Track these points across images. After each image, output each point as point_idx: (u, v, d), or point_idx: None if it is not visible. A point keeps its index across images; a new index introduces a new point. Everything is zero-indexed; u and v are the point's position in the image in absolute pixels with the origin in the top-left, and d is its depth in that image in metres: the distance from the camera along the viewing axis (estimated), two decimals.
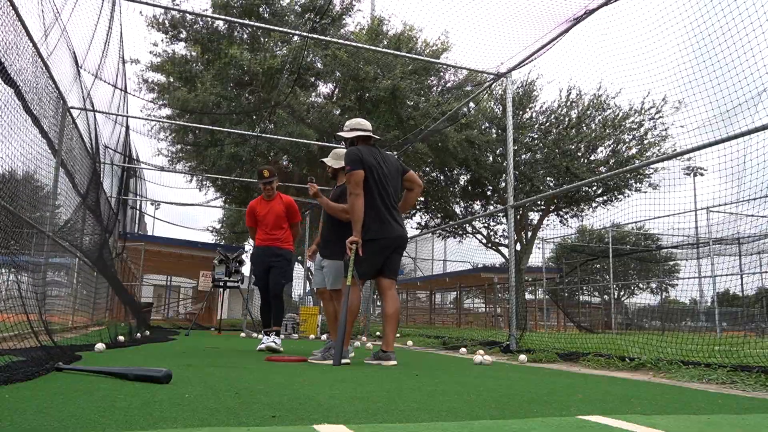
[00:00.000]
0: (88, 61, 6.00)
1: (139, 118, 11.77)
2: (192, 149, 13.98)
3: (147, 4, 8.31)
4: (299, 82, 11.70)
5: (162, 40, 12.69)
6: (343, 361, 3.84)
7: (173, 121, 12.77)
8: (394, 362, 3.96)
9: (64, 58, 5.11)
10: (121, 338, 5.48)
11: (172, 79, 12.37)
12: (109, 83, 7.44)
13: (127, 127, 10.83)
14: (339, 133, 4.49)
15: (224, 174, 12.97)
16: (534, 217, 18.58)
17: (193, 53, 12.49)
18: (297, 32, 8.04)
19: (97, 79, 6.65)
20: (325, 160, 4.92)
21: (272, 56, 11.63)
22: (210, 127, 11.69)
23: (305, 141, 10.79)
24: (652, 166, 15.56)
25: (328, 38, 10.65)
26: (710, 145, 3.95)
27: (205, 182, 15.57)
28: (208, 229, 23.99)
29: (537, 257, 18.19)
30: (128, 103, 9.85)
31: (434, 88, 13.70)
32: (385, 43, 12.32)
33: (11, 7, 3.05)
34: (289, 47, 11.84)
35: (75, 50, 5.55)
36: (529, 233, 18.38)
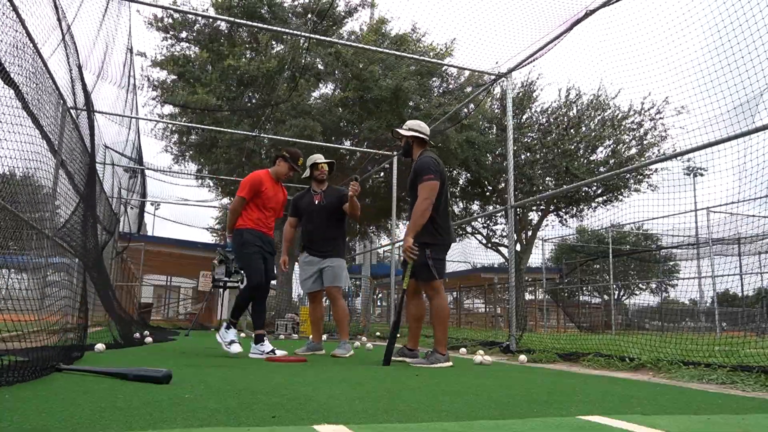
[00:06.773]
0: (91, 61, 5.97)
1: (146, 119, 11.77)
2: (196, 148, 13.96)
3: (148, 4, 8.33)
4: (300, 81, 11.68)
5: (163, 40, 12.68)
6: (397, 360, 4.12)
7: (179, 123, 12.76)
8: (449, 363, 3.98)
9: (64, 58, 5.10)
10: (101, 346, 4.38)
11: (188, 77, 12.24)
12: (114, 84, 7.42)
13: (137, 129, 10.84)
14: (396, 130, 4.39)
15: (230, 168, 12.98)
16: (534, 217, 18.57)
17: (195, 51, 12.47)
18: (299, 33, 8.01)
19: (101, 80, 6.62)
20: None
21: (269, 58, 11.60)
22: (214, 128, 11.69)
23: (309, 141, 10.79)
24: (651, 166, 15.56)
25: (330, 39, 10.63)
26: (710, 145, 3.95)
27: (209, 182, 15.53)
28: (207, 229, 24.02)
29: (537, 257, 18.21)
30: (137, 104, 9.84)
31: (436, 89, 13.69)
32: (387, 43, 12.32)
33: (11, 7, 3.05)
34: (289, 44, 11.80)
35: (78, 50, 5.53)
36: (529, 233, 18.38)
